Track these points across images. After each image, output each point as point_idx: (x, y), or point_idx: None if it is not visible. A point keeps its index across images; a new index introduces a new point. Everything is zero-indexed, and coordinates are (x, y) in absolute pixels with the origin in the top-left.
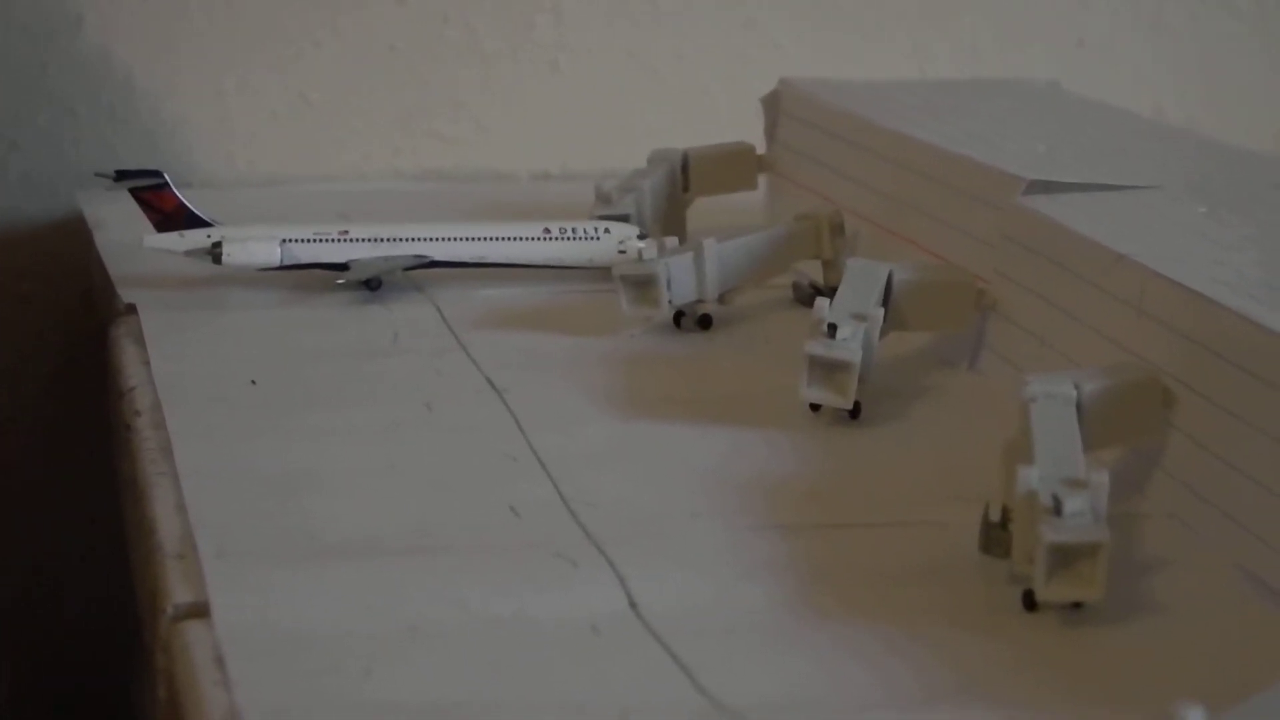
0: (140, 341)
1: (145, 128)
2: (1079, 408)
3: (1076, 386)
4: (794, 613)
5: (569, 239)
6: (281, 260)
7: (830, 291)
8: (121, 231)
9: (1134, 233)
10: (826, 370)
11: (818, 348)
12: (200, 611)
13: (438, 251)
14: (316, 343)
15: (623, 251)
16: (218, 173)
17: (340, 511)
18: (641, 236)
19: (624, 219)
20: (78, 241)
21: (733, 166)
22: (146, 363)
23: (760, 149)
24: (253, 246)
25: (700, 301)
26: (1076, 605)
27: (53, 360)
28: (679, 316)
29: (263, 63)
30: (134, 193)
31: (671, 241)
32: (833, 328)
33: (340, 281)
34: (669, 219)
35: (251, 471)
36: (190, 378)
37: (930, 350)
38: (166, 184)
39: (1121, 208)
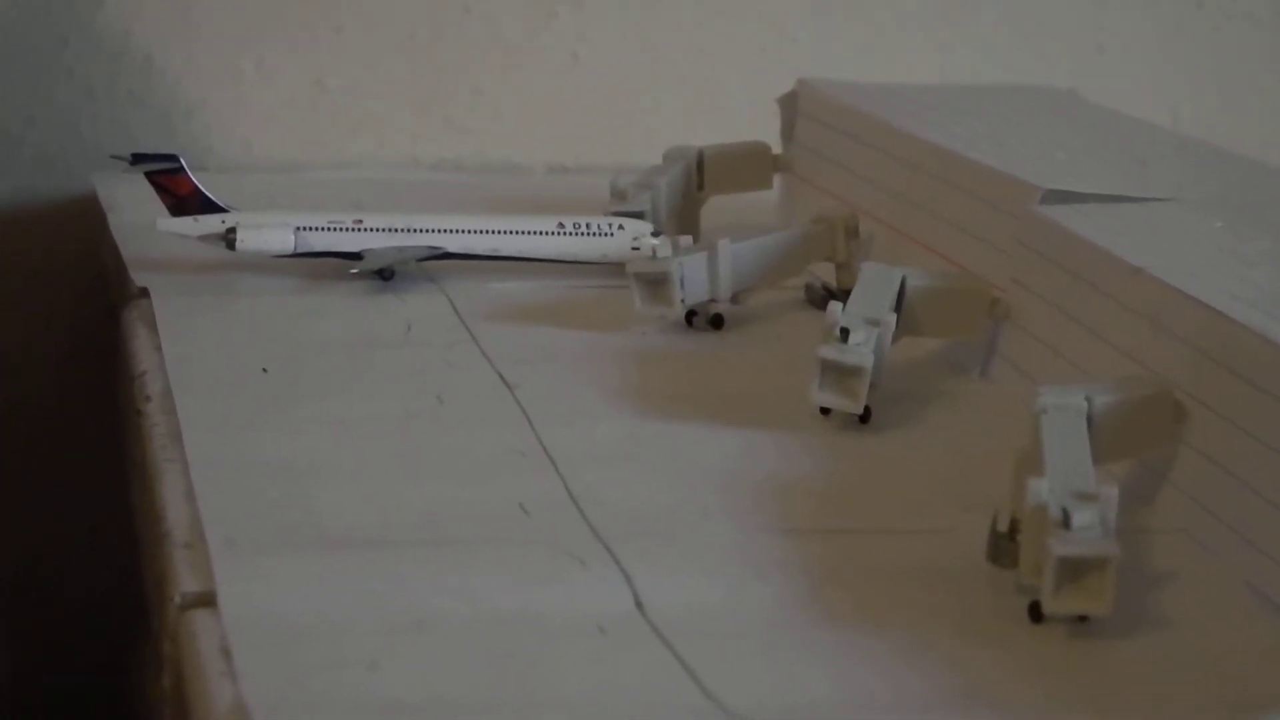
0: (152, 326)
1: (162, 109)
2: (1090, 420)
3: (1088, 399)
4: (801, 616)
5: (583, 234)
6: (295, 248)
7: (843, 294)
8: (135, 214)
9: (1150, 245)
10: (838, 374)
11: (830, 352)
12: (207, 601)
13: (451, 243)
14: (328, 332)
15: (636, 248)
16: (234, 157)
17: (349, 503)
18: (656, 234)
19: (639, 216)
20: (91, 222)
21: (748, 166)
22: (158, 347)
23: (776, 148)
24: (267, 233)
25: (713, 301)
26: (1083, 618)
27: (64, 339)
28: (691, 315)
29: (282, 47)
30: (149, 176)
31: (685, 240)
32: (845, 332)
33: (354, 271)
34: (683, 217)
35: (261, 460)
36: (202, 364)
37: (942, 356)
38: (182, 168)
39: (1138, 220)
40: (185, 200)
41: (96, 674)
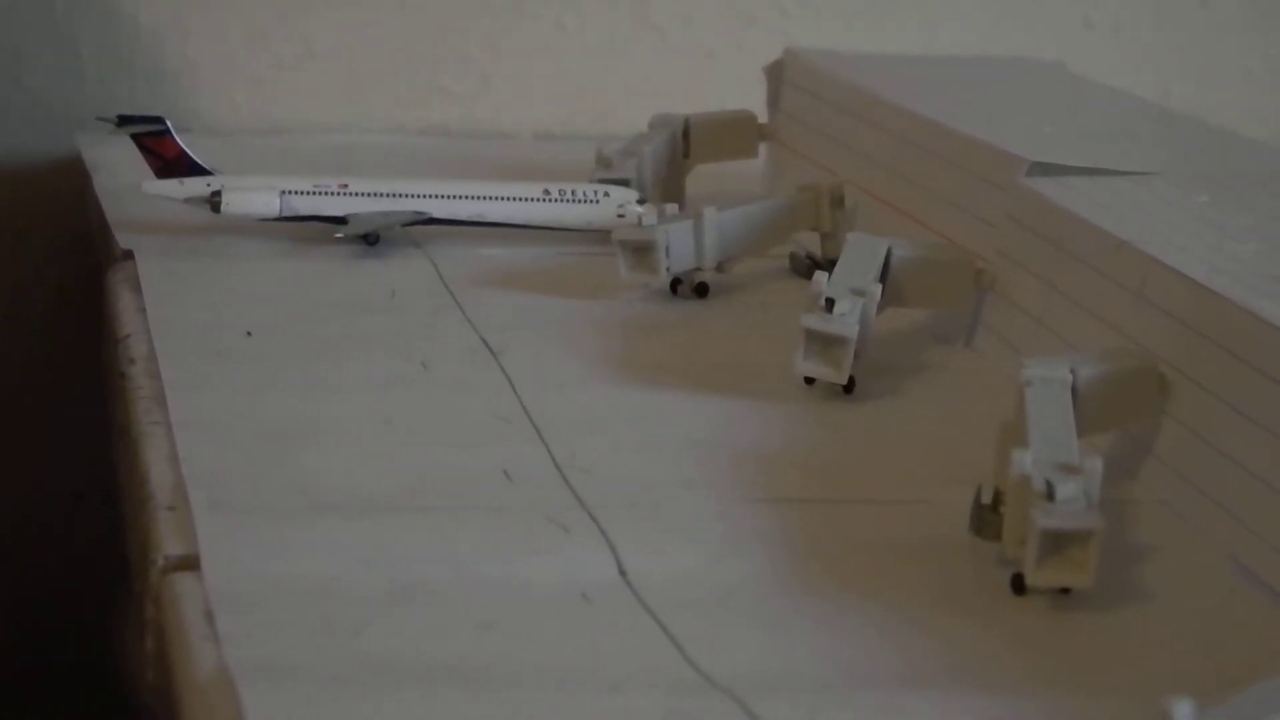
0: (136, 288)
1: (150, 71)
2: (1074, 392)
3: (1072, 371)
4: (784, 587)
5: (568, 201)
6: (280, 211)
7: (827, 264)
8: (120, 176)
9: (1136, 219)
10: (822, 344)
11: (815, 321)
12: (191, 563)
13: (437, 209)
14: (313, 296)
15: (622, 216)
16: (221, 120)
17: (334, 467)
18: (641, 201)
19: (624, 183)
20: (76, 183)
21: (734, 134)
22: (142, 310)
23: (762, 118)
24: (252, 196)
25: (698, 269)
26: (1065, 590)
27: (48, 301)
28: (676, 283)
29: (271, 11)
30: (135, 138)
31: (671, 208)
32: (830, 302)
33: (338, 235)
34: (669, 185)
35: (245, 424)
36: (186, 327)
37: (927, 327)
38: (168, 130)
39: (1124, 193)
40: (171, 163)
41: (80, 637)
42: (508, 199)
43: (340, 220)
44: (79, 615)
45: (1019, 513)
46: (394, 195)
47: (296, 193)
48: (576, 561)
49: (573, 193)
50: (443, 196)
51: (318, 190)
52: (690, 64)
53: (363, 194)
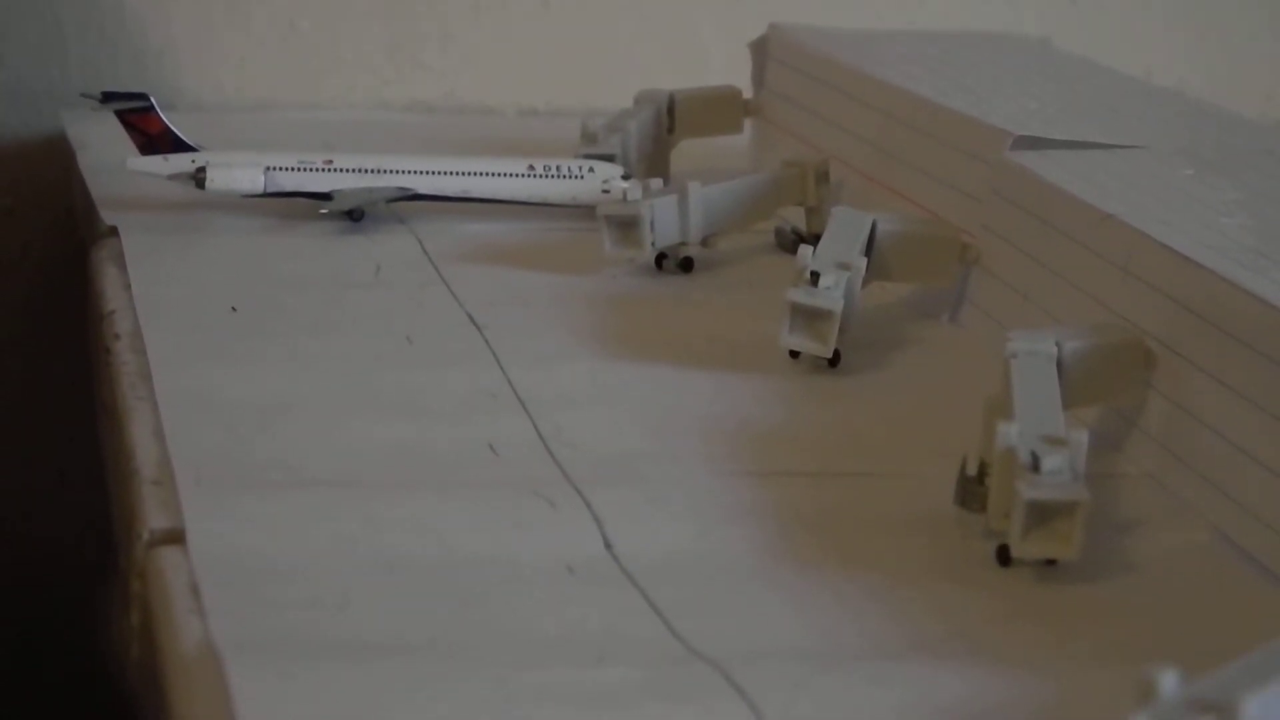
0: (121, 264)
1: (134, 49)
2: (1060, 365)
3: (1058, 344)
4: (770, 560)
5: (553, 176)
6: (265, 187)
7: (813, 239)
8: (105, 152)
9: (1121, 192)
10: (807, 318)
11: (800, 295)
12: (176, 538)
13: (421, 184)
14: (298, 271)
15: (606, 191)
16: (205, 97)
17: (318, 442)
18: (626, 177)
19: (609, 158)
20: (61, 160)
21: (719, 110)
22: (127, 286)
23: (748, 93)
24: (237, 172)
25: (683, 244)
26: (1051, 562)
27: (33, 277)
28: (661, 258)
29: None
30: (119, 115)
31: (656, 183)
32: (815, 275)
33: (323, 211)
34: (654, 160)
35: (231, 399)
36: (171, 303)
37: (912, 301)
38: (152, 107)
39: (1109, 167)
40: (155, 139)
41: (65, 609)
42: (493, 175)
43: (325, 196)
44: (64, 592)
45: (1004, 485)
46: (379, 171)
47: (281, 169)
48: (562, 535)
49: (558, 168)
50: (428, 172)
51: (302, 166)
52: (675, 40)
53: (347, 170)
